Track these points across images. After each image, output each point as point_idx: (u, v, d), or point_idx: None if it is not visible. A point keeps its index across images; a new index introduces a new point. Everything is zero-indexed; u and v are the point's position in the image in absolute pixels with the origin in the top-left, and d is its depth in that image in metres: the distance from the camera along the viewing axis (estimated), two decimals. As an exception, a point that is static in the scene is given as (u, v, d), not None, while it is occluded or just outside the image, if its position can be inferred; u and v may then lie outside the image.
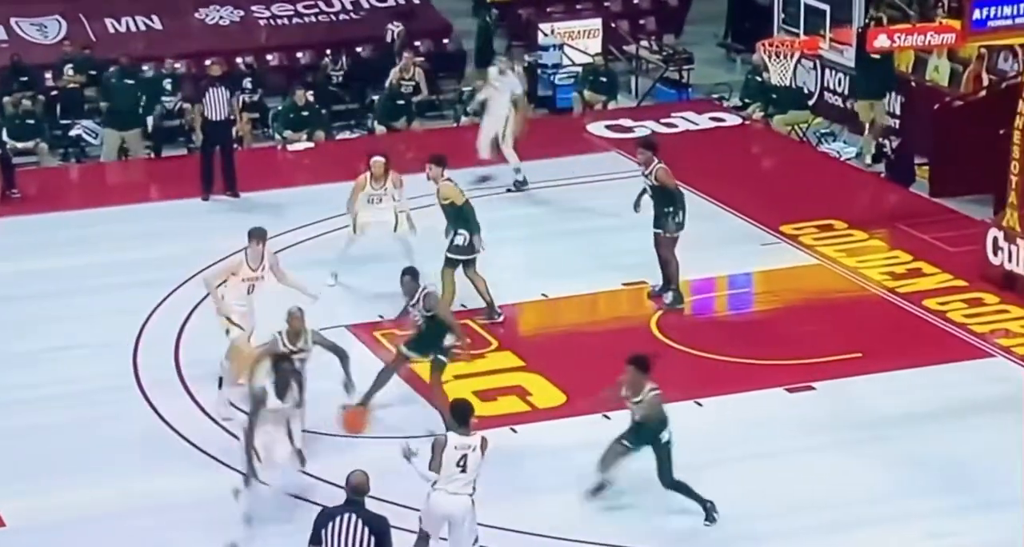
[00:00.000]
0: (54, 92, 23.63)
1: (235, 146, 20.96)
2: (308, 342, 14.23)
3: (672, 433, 13.13)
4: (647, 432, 13.15)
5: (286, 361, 13.23)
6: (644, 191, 17.21)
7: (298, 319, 14.18)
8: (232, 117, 20.63)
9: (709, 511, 13.22)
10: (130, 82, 22.34)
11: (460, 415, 12.19)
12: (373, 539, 10.80)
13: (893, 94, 22.48)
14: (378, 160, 17.71)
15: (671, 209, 16.99)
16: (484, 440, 12.07)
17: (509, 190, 20.31)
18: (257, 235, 15.15)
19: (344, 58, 24.85)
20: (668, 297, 17.29)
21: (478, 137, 20.54)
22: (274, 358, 13.36)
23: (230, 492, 12.83)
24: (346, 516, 10.85)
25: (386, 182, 17.60)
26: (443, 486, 11.87)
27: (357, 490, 10.94)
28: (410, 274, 14.87)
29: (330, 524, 10.86)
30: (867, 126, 22.34)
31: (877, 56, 21.78)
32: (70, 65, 23.65)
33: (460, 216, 16.67)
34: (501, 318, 16.93)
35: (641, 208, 17.24)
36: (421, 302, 14.61)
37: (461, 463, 11.90)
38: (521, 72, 24.12)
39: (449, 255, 16.76)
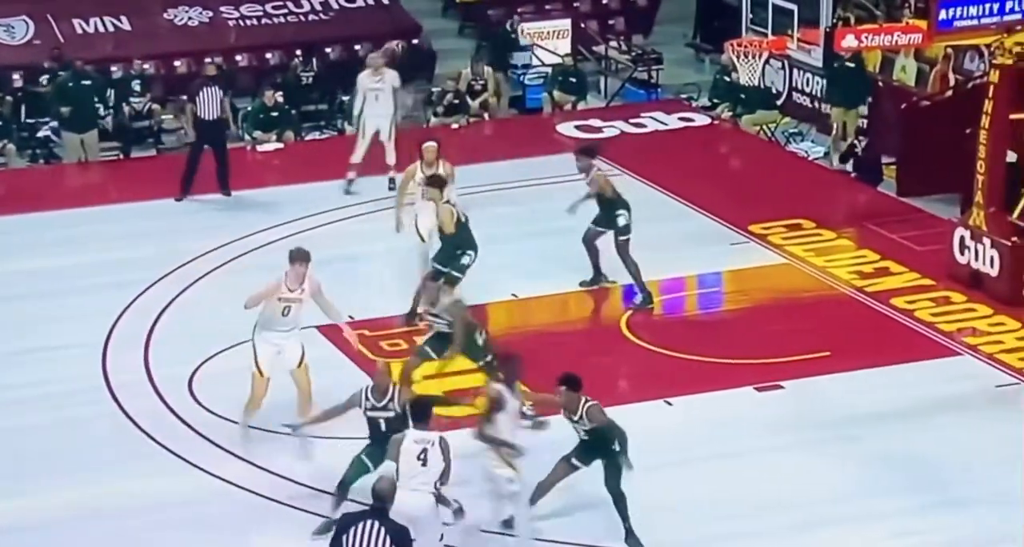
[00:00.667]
0: (20, 94, 23.53)
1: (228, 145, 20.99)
2: (396, 403, 13.02)
3: (626, 442, 12.89)
4: (598, 444, 12.94)
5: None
6: (587, 196, 17.25)
7: (385, 375, 13.14)
8: (225, 117, 20.64)
9: (628, 535, 12.97)
10: (86, 83, 22.27)
11: (420, 411, 12.12)
12: None
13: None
14: (430, 145, 17.28)
15: (614, 214, 17.03)
16: (444, 440, 11.97)
17: (391, 188, 19.79)
18: (299, 257, 14.35)
19: (314, 59, 24.82)
20: (638, 298, 17.33)
21: (356, 143, 20.22)
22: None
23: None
24: (368, 523, 10.62)
25: (438, 169, 17.10)
26: (404, 484, 11.68)
27: (381, 497, 10.73)
28: (433, 279, 14.87)
29: (352, 530, 10.64)
30: (835, 128, 22.41)
31: (851, 64, 21.93)
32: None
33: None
34: None
35: (576, 212, 17.25)
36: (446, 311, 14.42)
37: (422, 457, 11.80)
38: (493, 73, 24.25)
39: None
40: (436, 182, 16.50)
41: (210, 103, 20.24)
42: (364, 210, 19.76)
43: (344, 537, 10.63)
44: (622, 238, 17.14)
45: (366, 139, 20.41)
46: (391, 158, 20.31)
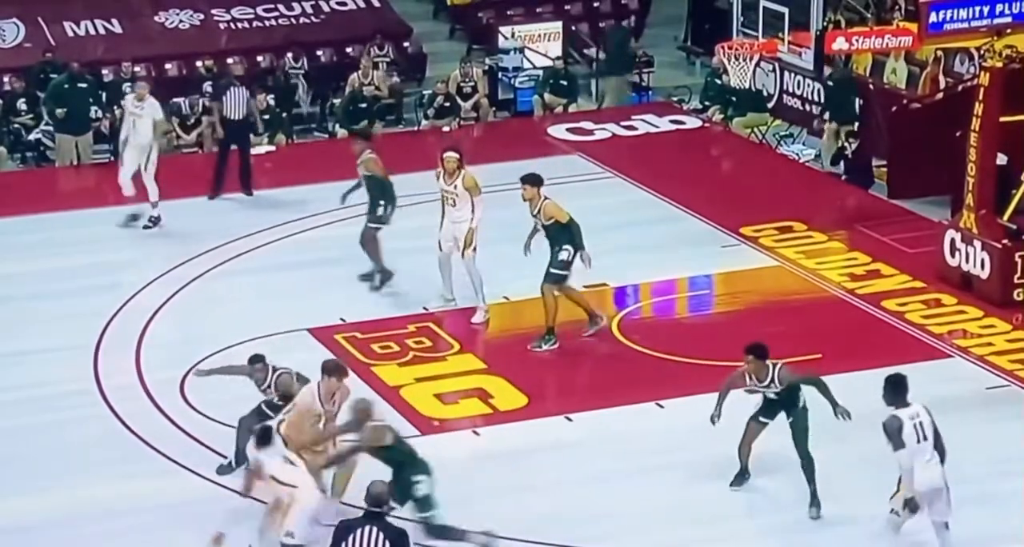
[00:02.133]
0: (11, 96, 23.53)
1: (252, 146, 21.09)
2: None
3: (827, 389, 13.27)
4: (787, 402, 13.31)
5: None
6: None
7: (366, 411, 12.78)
8: (251, 117, 20.65)
9: (813, 498, 13.25)
10: (82, 86, 22.27)
11: (899, 385, 12.10)
12: None
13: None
14: (451, 155, 16.77)
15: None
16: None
17: (146, 227, 19.31)
18: (334, 371, 13.05)
19: (303, 59, 24.81)
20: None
21: (119, 172, 19.47)
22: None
23: None
24: (367, 529, 10.57)
25: (457, 179, 16.77)
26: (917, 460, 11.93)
27: (377, 501, 10.69)
28: (261, 361, 13.60)
29: (350, 538, 10.59)
30: (827, 136, 22.41)
31: (844, 79, 21.99)
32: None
33: (564, 232, 16.20)
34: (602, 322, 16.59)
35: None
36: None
37: (920, 433, 11.95)
38: (483, 76, 24.24)
39: (552, 271, 16.28)
40: (533, 181, 16.31)
41: (236, 103, 20.33)
42: (355, 213, 19.73)
43: (343, 544, 10.58)
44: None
45: (126, 166, 19.50)
46: (152, 192, 19.35)
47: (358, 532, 10.56)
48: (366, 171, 17.17)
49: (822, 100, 22.61)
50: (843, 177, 21.97)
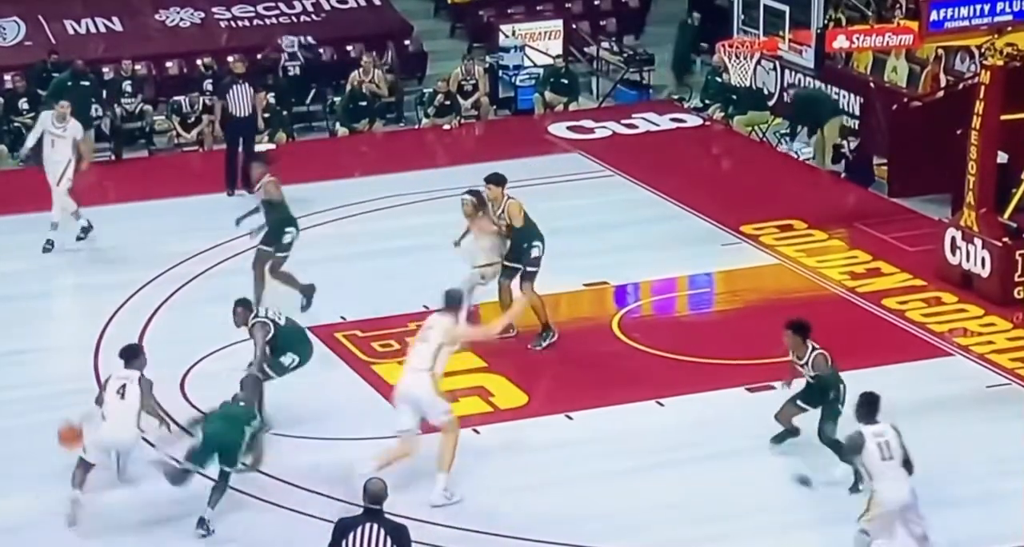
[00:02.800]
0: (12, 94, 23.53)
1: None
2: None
3: (844, 392, 13.47)
4: (818, 391, 13.58)
5: None
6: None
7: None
8: (255, 114, 20.62)
9: (856, 482, 13.28)
10: (85, 84, 22.27)
11: (870, 404, 12.16)
12: None
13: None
14: (467, 199, 16.39)
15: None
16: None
17: (79, 238, 18.80)
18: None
19: (298, 52, 24.78)
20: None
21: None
22: None
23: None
24: (367, 527, 10.57)
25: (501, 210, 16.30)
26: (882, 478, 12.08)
27: (376, 499, 10.67)
28: (243, 305, 14.58)
29: (351, 535, 10.59)
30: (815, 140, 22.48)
31: (805, 92, 22.19)
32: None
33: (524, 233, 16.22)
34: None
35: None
36: None
37: (886, 452, 11.95)
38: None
39: (529, 270, 16.24)
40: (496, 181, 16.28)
41: (241, 100, 20.33)
42: (356, 212, 19.76)
43: (344, 542, 10.58)
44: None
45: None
46: (56, 209, 18.84)
47: (358, 530, 10.55)
48: (266, 196, 16.67)
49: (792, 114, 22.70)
50: (843, 175, 21.97)
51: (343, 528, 10.66)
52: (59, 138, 18.96)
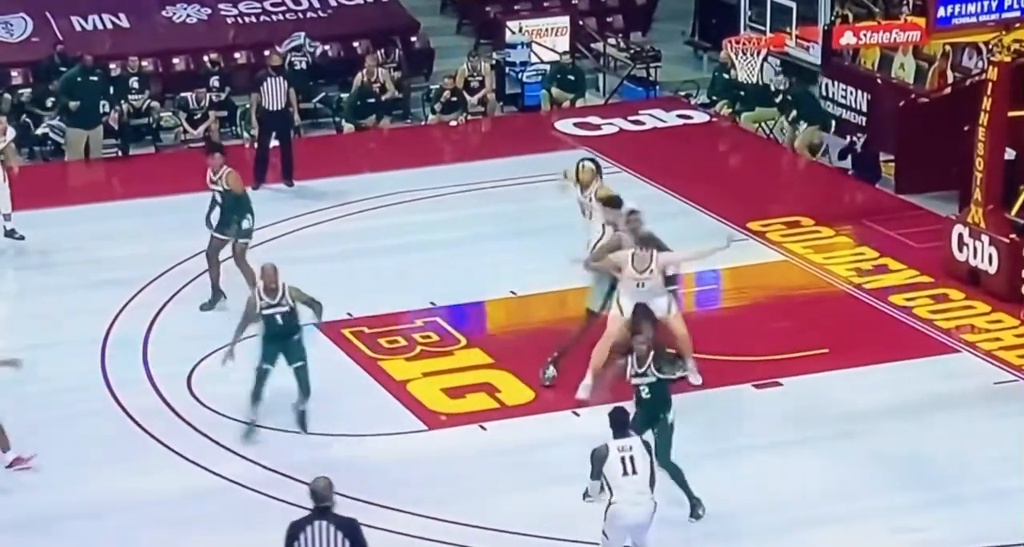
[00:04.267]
0: (20, 90, 23.55)
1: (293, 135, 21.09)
2: (286, 298, 14.41)
3: (675, 415, 13.08)
4: (651, 413, 13.06)
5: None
6: (215, 201, 17.01)
7: (271, 274, 14.38)
8: (290, 107, 20.66)
9: (695, 507, 13.17)
10: (94, 79, 22.28)
11: (618, 422, 11.90)
12: (348, 542, 10.63)
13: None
14: (587, 166, 16.42)
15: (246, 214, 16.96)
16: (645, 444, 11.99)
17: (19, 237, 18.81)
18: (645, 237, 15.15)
19: (306, 47, 24.76)
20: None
21: None
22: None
23: None
24: (317, 525, 10.64)
25: (591, 191, 16.25)
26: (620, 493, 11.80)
27: (321, 497, 10.75)
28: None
29: (302, 536, 10.64)
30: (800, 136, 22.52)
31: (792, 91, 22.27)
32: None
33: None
34: None
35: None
36: None
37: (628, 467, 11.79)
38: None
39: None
40: (611, 203, 15.76)
41: (275, 93, 20.35)
42: (363, 208, 19.76)
43: (295, 544, 10.62)
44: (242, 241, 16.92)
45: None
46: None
47: (309, 530, 10.63)
48: (227, 186, 16.82)
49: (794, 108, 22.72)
50: (850, 172, 21.95)
51: (294, 530, 10.73)
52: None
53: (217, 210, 17.01)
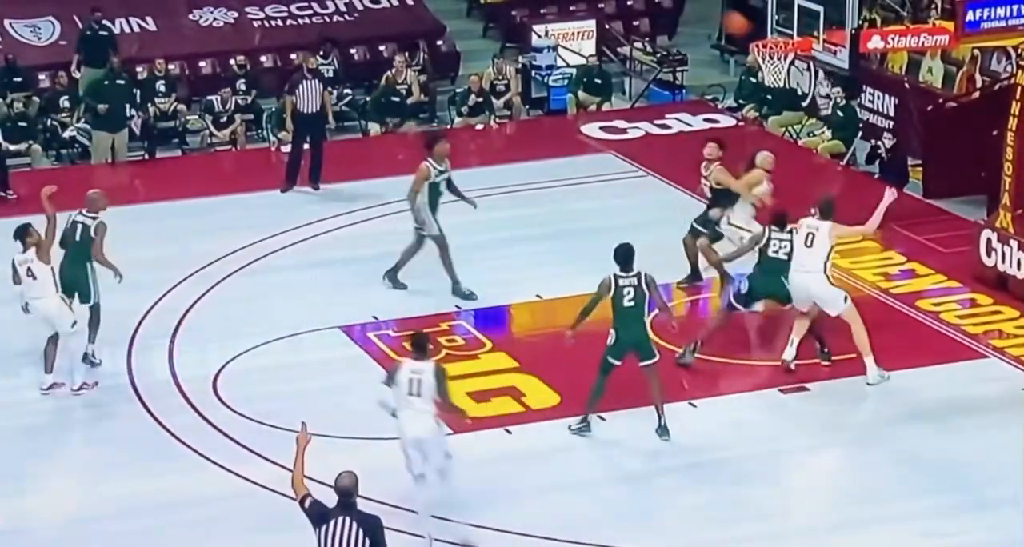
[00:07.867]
0: (47, 93, 23.62)
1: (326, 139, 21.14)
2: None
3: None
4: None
5: None
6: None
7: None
8: (324, 110, 20.66)
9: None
10: (120, 83, 22.34)
11: (419, 345, 13.01)
12: (368, 541, 10.74)
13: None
14: (712, 145, 17.91)
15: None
16: (438, 366, 12.94)
17: None
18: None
19: (333, 55, 24.75)
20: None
21: None
22: None
23: None
24: (339, 520, 10.71)
25: (711, 169, 17.53)
26: (404, 409, 12.79)
27: (346, 492, 10.80)
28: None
29: (325, 526, 10.72)
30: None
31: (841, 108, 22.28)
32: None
33: None
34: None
35: None
36: None
37: (415, 388, 12.72)
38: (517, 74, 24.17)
39: None
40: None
41: (310, 96, 20.35)
42: (390, 210, 19.74)
43: (318, 531, 10.68)
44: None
45: None
46: None
47: (332, 523, 10.69)
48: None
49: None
50: (878, 176, 21.86)
51: (320, 515, 10.79)
52: None
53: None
